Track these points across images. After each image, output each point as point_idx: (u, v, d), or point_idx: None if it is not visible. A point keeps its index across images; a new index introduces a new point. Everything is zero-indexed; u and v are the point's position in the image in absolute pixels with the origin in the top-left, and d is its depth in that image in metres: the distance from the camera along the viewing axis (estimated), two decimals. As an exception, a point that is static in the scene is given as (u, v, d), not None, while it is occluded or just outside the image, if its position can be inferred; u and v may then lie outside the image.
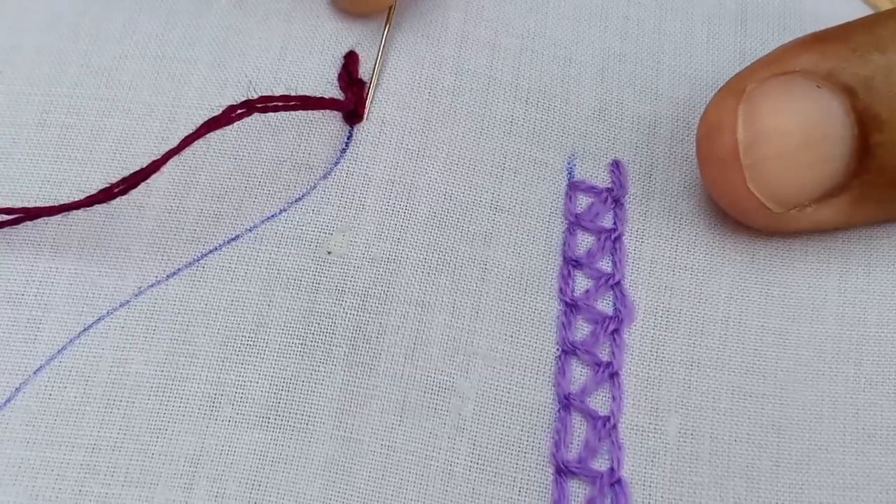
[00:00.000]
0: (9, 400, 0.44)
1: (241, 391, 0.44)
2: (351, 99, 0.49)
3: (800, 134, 0.44)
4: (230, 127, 0.46)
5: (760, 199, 0.45)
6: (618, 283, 0.47)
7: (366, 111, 0.49)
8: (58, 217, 0.47)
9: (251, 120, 0.48)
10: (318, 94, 0.49)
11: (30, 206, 0.46)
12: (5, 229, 0.46)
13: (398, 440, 0.44)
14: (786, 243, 0.48)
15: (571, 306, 0.46)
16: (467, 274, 0.46)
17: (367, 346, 0.45)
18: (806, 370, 0.46)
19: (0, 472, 0.43)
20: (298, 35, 0.51)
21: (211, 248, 0.47)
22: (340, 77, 0.50)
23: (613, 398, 0.45)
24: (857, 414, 0.45)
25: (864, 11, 0.50)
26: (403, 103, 0.49)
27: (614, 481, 0.44)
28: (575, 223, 0.48)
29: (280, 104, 0.46)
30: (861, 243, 0.48)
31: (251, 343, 0.45)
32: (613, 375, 0.45)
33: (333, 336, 0.45)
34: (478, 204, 0.48)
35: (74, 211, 0.45)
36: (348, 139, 0.48)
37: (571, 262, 0.47)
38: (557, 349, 0.46)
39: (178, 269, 0.46)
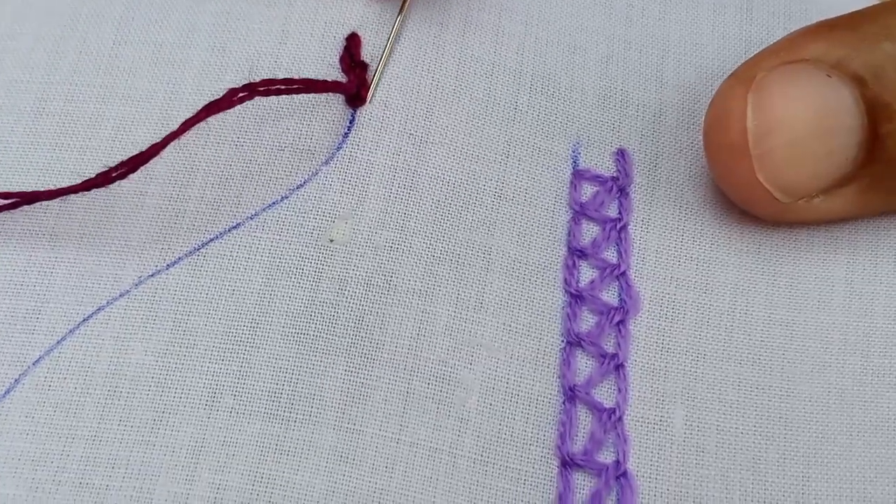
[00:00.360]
0: (8, 391, 0.44)
1: (243, 381, 0.44)
2: (354, 81, 0.48)
3: (809, 123, 0.43)
4: (231, 113, 0.46)
5: (769, 190, 0.44)
6: (623, 274, 0.46)
7: (370, 94, 0.49)
8: (56, 206, 0.46)
9: (252, 105, 0.48)
10: (321, 78, 0.48)
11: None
12: (4, 217, 0.46)
13: (402, 432, 0.43)
14: (792, 233, 0.47)
15: (576, 297, 0.46)
16: (471, 264, 0.46)
17: (370, 336, 0.45)
18: (813, 361, 0.46)
19: (0, 464, 0.42)
20: (299, 19, 0.50)
21: (211, 236, 0.46)
22: (342, 59, 0.49)
23: (619, 390, 0.45)
24: (865, 405, 0.45)
25: (871, 0, 0.50)
26: (406, 87, 0.49)
27: (620, 474, 0.43)
28: (580, 212, 0.47)
29: (283, 87, 0.46)
30: (868, 233, 0.48)
31: (253, 333, 0.45)
32: (619, 367, 0.45)
33: (336, 326, 0.45)
34: (482, 192, 0.47)
35: (73, 201, 0.46)
36: (350, 123, 0.48)
37: (576, 253, 0.47)
38: (562, 341, 0.45)
39: (179, 259, 0.46)
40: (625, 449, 0.44)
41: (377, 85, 0.49)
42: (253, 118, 0.48)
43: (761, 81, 0.44)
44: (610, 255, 0.47)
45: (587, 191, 0.48)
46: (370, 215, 0.47)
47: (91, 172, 0.46)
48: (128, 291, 0.45)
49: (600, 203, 0.48)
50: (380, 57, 0.49)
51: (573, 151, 0.48)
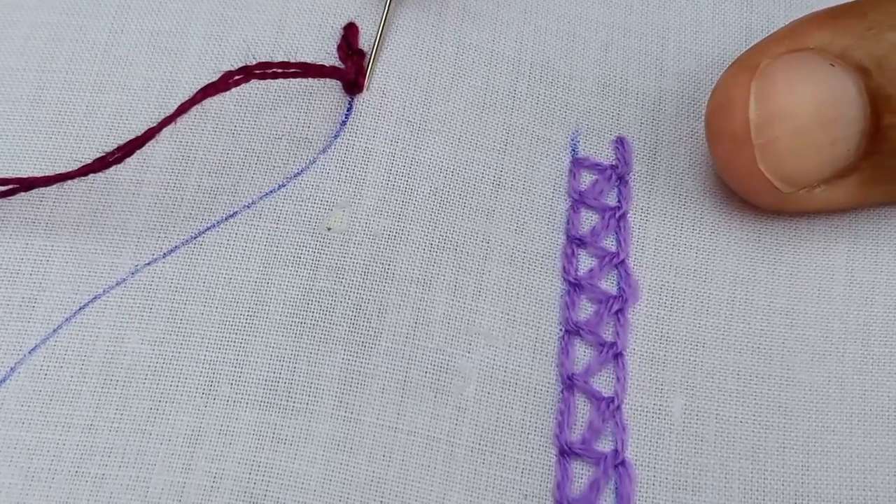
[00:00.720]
0: (3, 380, 0.44)
1: (240, 370, 0.44)
2: (351, 68, 0.48)
3: (812, 113, 0.43)
4: (228, 101, 0.46)
5: (770, 180, 0.44)
6: (622, 262, 0.46)
7: (366, 81, 0.48)
8: (53, 195, 0.46)
9: (249, 94, 0.48)
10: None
11: None
12: (0, 205, 0.46)
13: (400, 421, 0.43)
14: (792, 222, 0.47)
15: (575, 286, 0.46)
16: (469, 252, 0.46)
17: (368, 324, 0.44)
18: (813, 350, 0.45)
19: None
20: (297, 8, 0.50)
21: (208, 225, 0.46)
22: (340, 47, 0.49)
23: (617, 379, 0.45)
24: (865, 394, 0.45)
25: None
26: (404, 74, 0.49)
27: (618, 462, 0.43)
28: (579, 201, 0.47)
29: (279, 71, 0.46)
30: (869, 222, 0.47)
31: (250, 321, 0.44)
32: (617, 356, 0.45)
33: (333, 314, 0.44)
34: (480, 180, 0.47)
35: (70, 190, 0.46)
36: (348, 111, 0.48)
37: (575, 241, 0.47)
38: (561, 329, 0.45)
39: (176, 247, 0.46)
40: (623, 438, 0.44)
41: (373, 70, 0.49)
42: (250, 106, 0.48)
43: (765, 69, 0.44)
44: (609, 244, 0.47)
45: (586, 179, 0.48)
46: (368, 203, 0.46)
47: (88, 161, 0.45)
48: (124, 280, 0.45)
49: (599, 191, 0.47)
50: (374, 41, 0.49)
51: (572, 140, 0.48)
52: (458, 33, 0.50)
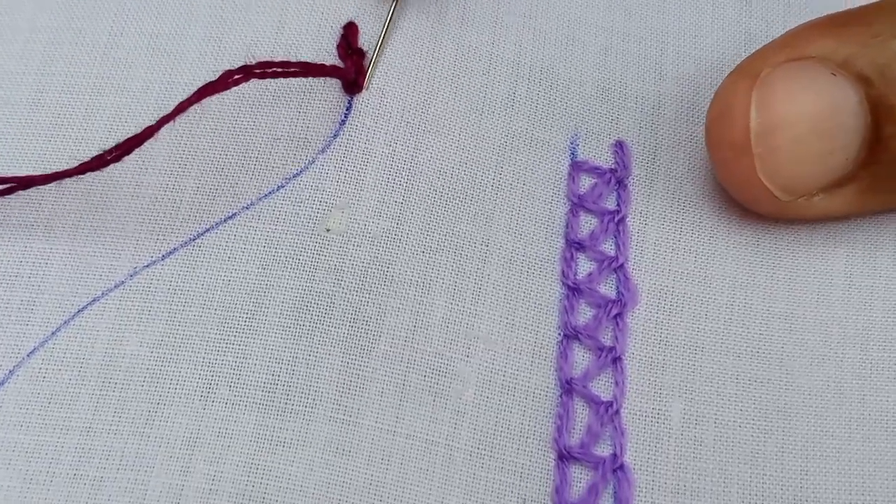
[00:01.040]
0: (2, 383, 0.44)
1: (239, 372, 0.44)
2: (351, 67, 0.48)
3: (812, 123, 0.43)
4: (227, 102, 0.46)
5: (769, 188, 0.44)
6: (621, 267, 0.46)
7: (366, 80, 0.48)
8: (52, 198, 0.46)
9: (249, 94, 0.48)
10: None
11: None
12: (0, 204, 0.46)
13: (398, 424, 0.43)
14: (791, 227, 0.47)
15: (574, 290, 0.46)
16: (468, 255, 0.46)
17: (367, 327, 0.44)
18: (811, 355, 0.45)
19: None
20: (296, 9, 0.50)
21: (207, 226, 0.46)
22: (339, 46, 0.49)
23: (616, 383, 0.45)
24: (864, 399, 0.45)
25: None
26: (404, 75, 0.49)
27: (617, 467, 0.43)
28: (578, 204, 0.47)
29: (279, 70, 0.46)
30: (867, 227, 0.47)
31: (248, 323, 0.44)
32: (616, 360, 0.45)
33: (332, 316, 0.44)
34: (479, 183, 0.47)
35: (69, 192, 0.46)
36: (347, 110, 0.48)
37: (574, 245, 0.46)
38: (559, 334, 0.45)
39: (174, 249, 0.46)
40: (622, 442, 0.44)
41: (373, 69, 0.49)
42: (249, 107, 0.48)
43: (766, 78, 0.44)
44: (608, 248, 0.47)
45: (585, 182, 0.48)
46: (367, 205, 0.46)
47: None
48: (123, 282, 0.45)
49: (598, 195, 0.47)
50: (376, 42, 0.49)
51: (571, 143, 0.48)
52: (457, 36, 0.50)
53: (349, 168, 0.47)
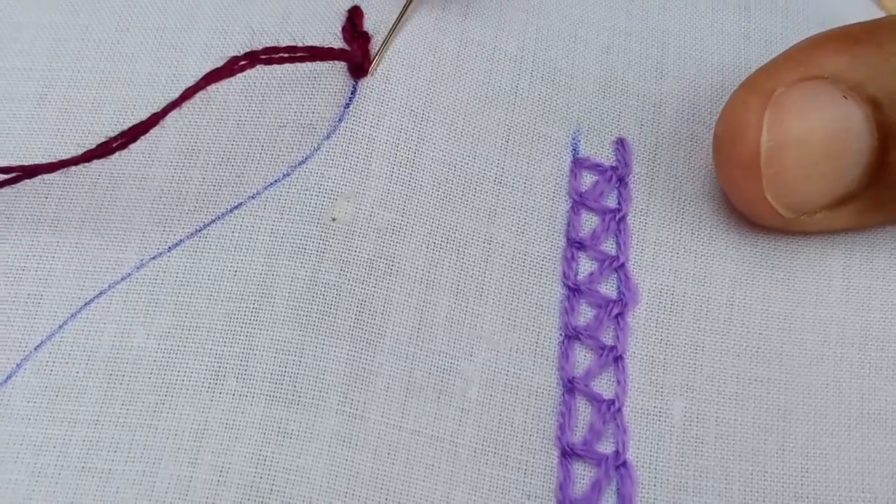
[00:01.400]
0: (10, 377, 0.43)
1: (246, 364, 0.43)
2: (357, 51, 0.48)
3: (822, 145, 0.43)
4: (233, 91, 0.46)
5: (774, 207, 0.44)
6: (622, 266, 0.46)
7: (374, 64, 0.48)
8: (59, 191, 0.46)
9: (254, 82, 0.48)
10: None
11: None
12: (6, 201, 0.46)
13: (404, 419, 0.43)
14: (790, 229, 0.47)
15: (574, 291, 0.46)
16: (472, 253, 0.46)
17: (372, 321, 0.44)
18: (811, 354, 0.46)
19: (1, 449, 0.42)
20: (301, 1, 0.50)
21: (214, 217, 0.46)
22: (344, 29, 0.49)
23: (618, 382, 0.45)
24: (863, 398, 0.45)
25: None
26: (407, 64, 0.49)
27: (620, 464, 0.43)
28: (579, 202, 0.47)
29: (285, 55, 0.45)
30: (864, 229, 0.48)
31: (255, 314, 0.44)
32: (618, 359, 0.45)
33: (338, 308, 0.44)
34: (482, 177, 0.47)
35: (75, 185, 0.46)
36: (352, 94, 0.48)
37: (575, 244, 0.47)
38: (561, 334, 0.45)
39: (181, 240, 0.46)
40: (624, 439, 0.44)
41: (382, 55, 0.48)
42: (254, 95, 0.48)
43: (779, 98, 0.44)
44: (609, 247, 0.47)
45: (587, 180, 0.48)
46: (372, 195, 0.46)
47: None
48: (129, 275, 0.45)
49: (600, 193, 0.47)
50: (389, 28, 0.49)
51: (573, 139, 0.48)
52: (461, 28, 0.50)
53: (354, 155, 0.47)
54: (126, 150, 0.44)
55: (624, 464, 0.43)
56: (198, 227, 0.46)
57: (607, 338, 0.45)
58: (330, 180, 0.46)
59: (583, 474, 0.43)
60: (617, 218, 0.47)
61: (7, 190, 0.46)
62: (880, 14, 0.52)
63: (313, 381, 0.43)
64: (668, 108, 0.49)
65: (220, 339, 0.44)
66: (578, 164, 0.48)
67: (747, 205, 0.46)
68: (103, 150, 0.43)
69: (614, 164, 0.48)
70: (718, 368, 0.45)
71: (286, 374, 0.43)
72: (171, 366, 0.43)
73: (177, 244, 0.46)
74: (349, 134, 0.47)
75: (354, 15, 0.49)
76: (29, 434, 0.42)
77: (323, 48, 0.47)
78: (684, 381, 0.45)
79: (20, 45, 0.50)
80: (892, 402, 0.45)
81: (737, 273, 0.47)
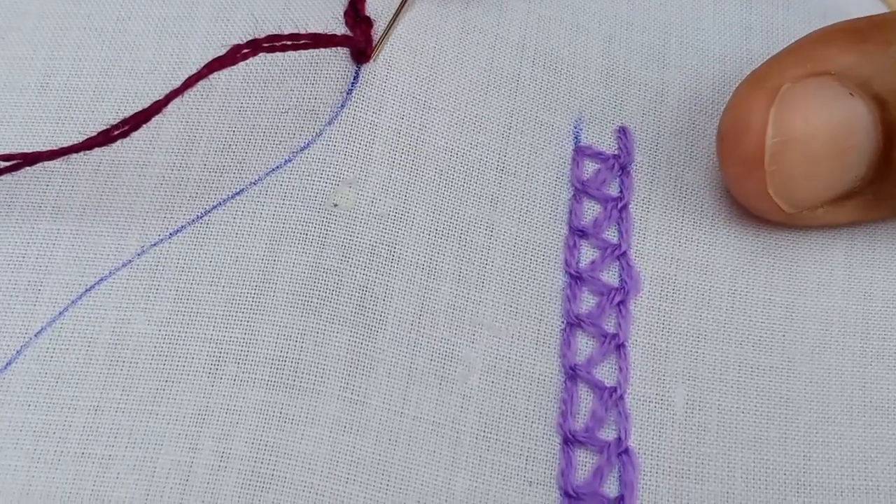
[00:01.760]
0: (9, 363, 0.43)
1: (247, 349, 0.43)
2: (360, 36, 0.48)
3: (827, 143, 0.43)
4: (235, 77, 0.46)
5: (777, 203, 0.44)
6: (624, 254, 0.46)
7: (377, 49, 0.48)
8: (59, 179, 0.46)
9: (255, 69, 0.47)
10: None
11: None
12: (6, 189, 0.46)
13: (406, 405, 0.43)
14: (792, 218, 0.47)
15: (576, 279, 0.46)
16: (473, 240, 0.46)
17: (374, 307, 0.44)
18: (813, 343, 0.46)
19: (1, 435, 0.42)
20: None
21: (215, 203, 0.46)
22: (347, 14, 0.49)
23: (620, 369, 0.45)
24: (865, 387, 0.45)
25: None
26: (410, 48, 0.49)
27: (622, 451, 0.43)
28: (581, 190, 0.47)
29: (288, 42, 0.45)
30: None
31: (256, 300, 0.44)
32: (620, 347, 0.45)
33: (340, 294, 0.44)
34: (484, 164, 0.47)
35: (77, 172, 0.46)
36: (354, 80, 0.48)
37: (577, 232, 0.47)
38: (562, 321, 0.45)
39: (182, 227, 0.45)
40: (626, 426, 0.44)
41: (385, 40, 0.48)
42: (256, 81, 0.48)
43: (785, 94, 0.43)
44: (611, 235, 0.47)
45: (589, 168, 0.48)
46: (374, 181, 0.46)
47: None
48: (130, 261, 0.45)
49: (602, 181, 0.47)
50: (393, 13, 0.49)
51: (575, 127, 0.48)
52: (463, 14, 0.50)
53: (356, 141, 0.47)
54: (127, 138, 0.44)
55: (626, 451, 0.43)
56: (199, 214, 0.46)
57: (609, 325, 0.45)
58: (332, 166, 0.46)
59: (585, 461, 0.43)
60: (619, 206, 0.47)
61: (8, 177, 0.46)
62: (882, 7, 0.52)
63: (314, 367, 0.43)
64: (670, 97, 0.49)
65: (221, 325, 0.44)
66: (580, 152, 0.48)
67: (750, 200, 0.46)
68: (104, 137, 0.43)
69: (616, 152, 0.48)
70: (720, 357, 0.45)
71: (287, 360, 0.43)
72: (171, 352, 0.43)
73: (178, 230, 0.45)
74: (351, 119, 0.47)
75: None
76: (29, 420, 0.42)
77: (325, 35, 0.47)
78: (686, 369, 0.45)
79: (22, 33, 0.50)
80: (894, 390, 0.45)
81: (739, 262, 0.47)
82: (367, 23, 0.48)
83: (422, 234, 0.46)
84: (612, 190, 0.47)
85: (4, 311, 0.44)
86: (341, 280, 0.44)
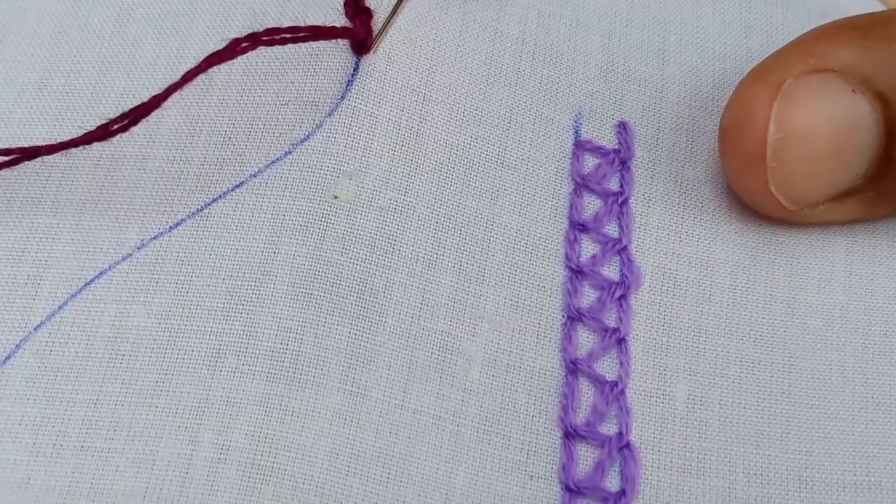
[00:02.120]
0: (9, 357, 0.43)
1: (247, 342, 0.43)
2: (360, 27, 0.48)
3: (829, 140, 0.43)
4: (233, 71, 0.46)
5: (778, 199, 0.44)
6: (624, 249, 0.46)
7: (377, 41, 0.48)
8: (59, 173, 0.46)
9: (255, 61, 0.47)
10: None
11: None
12: (6, 184, 0.46)
13: (406, 399, 0.43)
14: (793, 214, 0.47)
15: (577, 273, 0.46)
16: (474, 234, 0.46)
17: (374, 300, 0.44)
18: (814, 339, 0.46)
19: (0, 429, 0.42)
20: None
21: (215, 196, 0.46)
22: (346, 5, 0.48)
23: (621, 363, 0.45)
24: (866, 382, 0.45)
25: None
26: (410, 40, 0.49)
27: (623, 445, 0.43)
28: (582, 185, 0.47)
29: (288, 35, 0.45)
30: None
31: (257, 292, 0.44)
32: (620, 341, 0.45)
33: (340, 287, 0.44)
34: (484, 158, 0.47)
35: (76, 167, 0.46)
36: (354, 71, 0.48)
37: (578, 226, 0.47)
38: (563, 315, 0.45)
39: (182, 220, 0.45)
40: (627, 421, 0.44)
41: (385, 31, 0.48)
42: (256, 73, 0.48)
43: (788, 90, 0.43)
44: (611, 230, 0.47)
45: (589, 162, 0.48)
46: (374, 173, 0.46)
47: (93, 143, 0.46)
48: (130, 255, 0.45)
49: (602, 176, 0.47)
50: (393, 5, 0.48)
51: (575, 122, 0.48)
52: (462, 7, 0.50)
53: (356, 133, 0.47)
54: (127, 132, 0.44)
55: (627, 445, 0.43)
56: (199, 207, 0.46)
57: (610, 320, 0.45)
58: (332, 158, 0.46)
59: (586, 455, 0.43)
60: (619, 201, 0.47)
61: (7, 172, 0.46)
62: (880, 6, 0.52)
63: (314, 360, 0.43)
64: (669, 93, 0.49)
65: (221, 318, 0.44)
66: (580, 146, 0.48)
67: (751, 195, 0.46)
68: (104, 132, 0.43)
69: (616, 147, 0.48)
70: (721, 352, 0.45)
71: (287, 353, 0.43)
72: (171, 344, 0.43)
73: (178, 223, 0.45)
74: (351, 111, 0.47)
75: (355, -11, 0.49)
76: (28, 414, 0.42)
77: (325, 27, 0.47)
78: (687, 364, 0.45)
79: (21, 33, 0.50)
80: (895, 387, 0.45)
81: (740, 258, 0.47)
82: (367, 14, 0.48)
83: (422, 227, 0.46)
84: (613, 185, 0.47)
85: (4, 304, 0.44)
86: (341, 272, 0.44)
